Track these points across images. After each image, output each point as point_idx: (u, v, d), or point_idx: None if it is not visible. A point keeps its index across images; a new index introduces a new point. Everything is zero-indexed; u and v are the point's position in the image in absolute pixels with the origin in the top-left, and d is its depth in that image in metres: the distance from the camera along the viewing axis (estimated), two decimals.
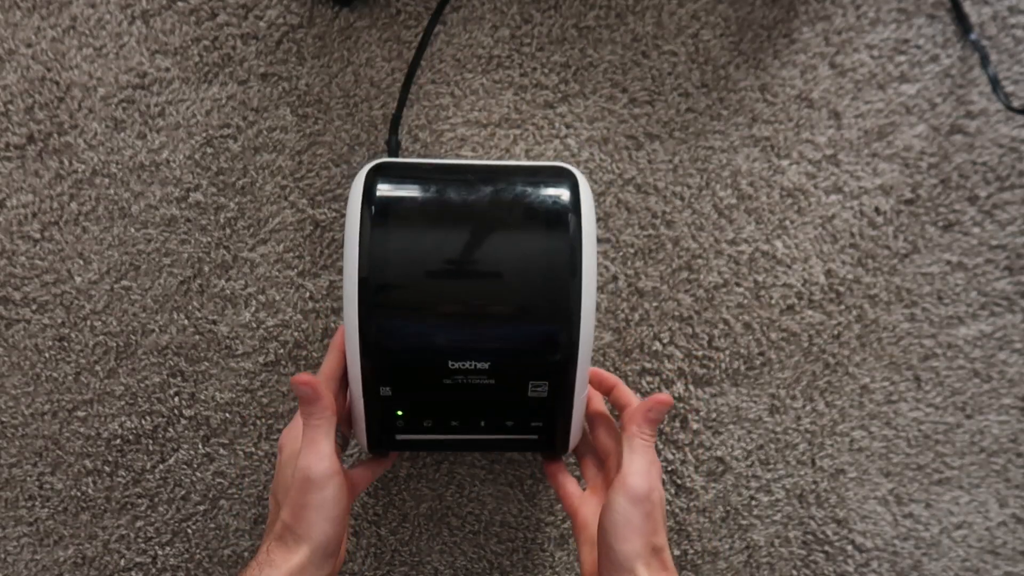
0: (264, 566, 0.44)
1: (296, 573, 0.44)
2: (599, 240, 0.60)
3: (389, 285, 0.45)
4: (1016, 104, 0.60)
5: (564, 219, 0.46)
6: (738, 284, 0.61)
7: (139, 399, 0.59)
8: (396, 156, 0.56)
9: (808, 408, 0.61)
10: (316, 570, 0.44)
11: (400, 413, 0.48)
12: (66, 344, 0.59)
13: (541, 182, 0.47)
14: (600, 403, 0.55)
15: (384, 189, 0.46)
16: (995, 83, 0.59)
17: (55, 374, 0.59)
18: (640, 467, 0.45)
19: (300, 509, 0.44)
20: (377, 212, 0.45)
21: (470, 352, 0.46)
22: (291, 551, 0.44)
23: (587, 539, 0.49)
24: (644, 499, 0.44)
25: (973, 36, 0.59)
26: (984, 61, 0.59)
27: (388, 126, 0.59)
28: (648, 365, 0.61)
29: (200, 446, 0.60)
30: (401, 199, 0.47)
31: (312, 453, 0.45)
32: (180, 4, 0.58)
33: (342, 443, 0.50)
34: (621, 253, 0.60)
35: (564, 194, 0.47)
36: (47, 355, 0.59)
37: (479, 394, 0.47)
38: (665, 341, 0.60)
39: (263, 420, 0.60)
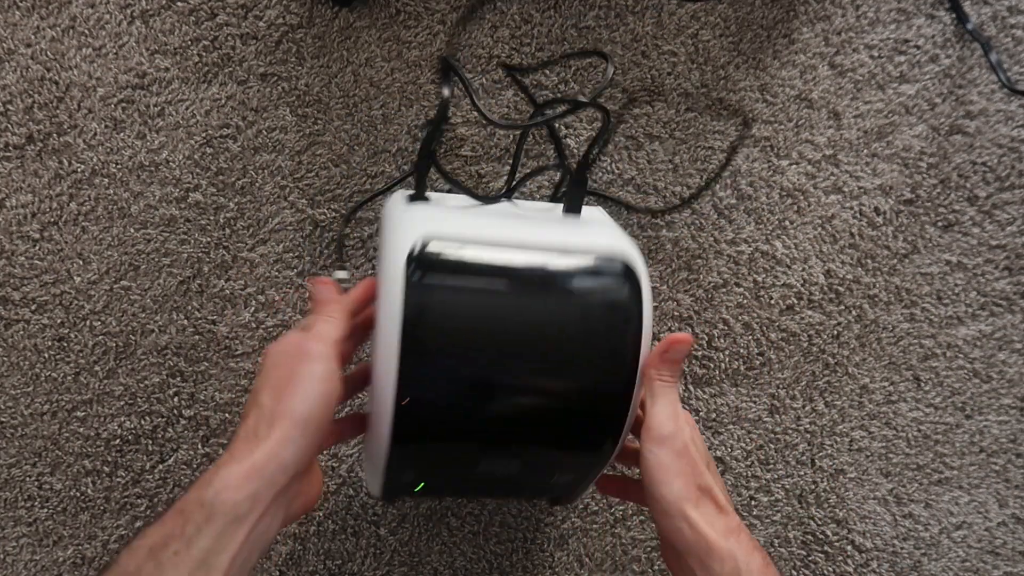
0: (222, 466, 0.36)
1: (265, 462, 0.36)
2: None
3: (429, 401, 0.41)
4: (1020, 87, 0.60)
5: (622, 341, 0.42)
6: (738, 284, 0.61)
7: (138, 399, 0.59)
8: (423, 191, 0.51)
9: (808, 408, 0.61)
10: (292, 454, 0.37)
11: (422, 484, 0.47)
12: (65, 344, 0.59)
13: (599, 290, 0.42)
14: None
15: (429, 291, 0.40)
16: (996, 67, 0.59)
17: (54, 374, 0.59)
18: (662, 409, 0.42)
19: (285, 383, 0.38)
20: (420, 320, 0.40)
21: (502, 458, 0.44)
22: (259, 439, 0.37)
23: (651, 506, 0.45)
24: (671, 438, 0.41)
25: (970, 25, 0.59)
26: (985, 48, 0.59)
27: (386, 126, 0.59)
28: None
29: (200, 446, 0.60)
30: (447, 305, 0.41)
31: (312, 336, 0.41)
32: (180, 4, 0.58)
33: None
34: None
35: (622, 292, 0.42)
36: (46, 355, 0.59)
37: (502, 482, 0.47)
38: None
39: None
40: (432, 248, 0.41)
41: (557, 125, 0.59)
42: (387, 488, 0.46)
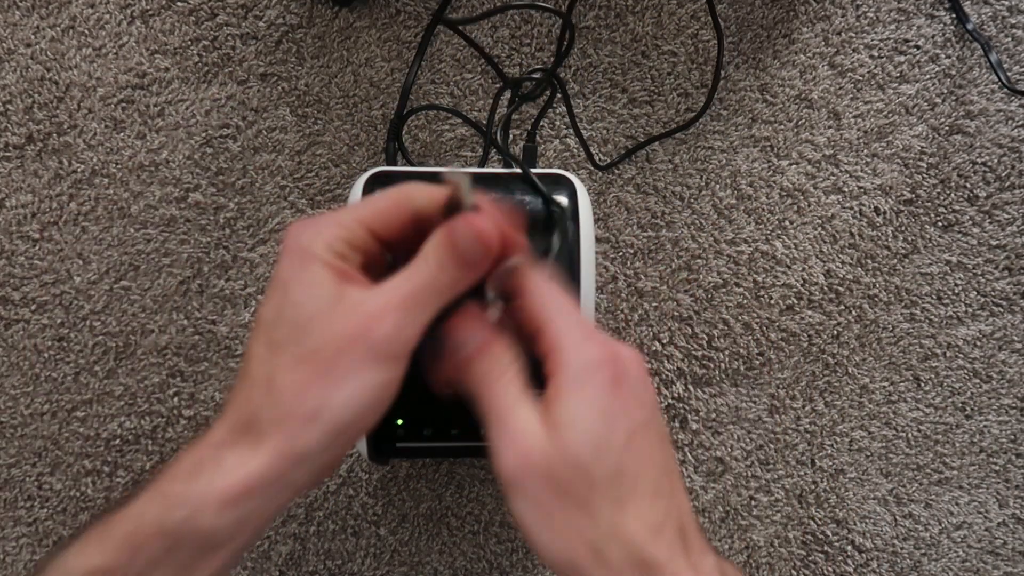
0: (199, 471, 0.26)
1: (262, 482, 0.26)
2: (598, 240, 0.60)
3: None
4: (1020, 87, 0.60)
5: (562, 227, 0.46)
6: (738, 284, 0.61)
7: (138, 399, 0.59)
8: (394, 163, 0.56)
9: (808, 408, 0.61)
10: (306, 473, 0.27)
11: (400, 422, 0.48)
12: (65, 344, 0.59)
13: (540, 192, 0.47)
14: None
15: None
16: (996, 67, 0.59)
17: (54, 374, 0.59)
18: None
19: (317, 356, 0.26)
20: None
21: None
22: (258, 437, 0.26)
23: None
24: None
25: (970, 25, 0.59)
26: (985, 48, 0.59)
27: (387, 127, 0.59)
28: (648, 365, 0.61)
29: None
30: None
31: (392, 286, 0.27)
32: (180, 4, 0.58)
33: None
34: (620, 253, 0.60)
35: (562, 202, 0.47)
36: (46, 355, 0.59)
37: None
38: (664, 341, 0.60)
39: None
40: (382, 172, 0.48)
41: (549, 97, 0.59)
42: (370, 432, 0.48)
